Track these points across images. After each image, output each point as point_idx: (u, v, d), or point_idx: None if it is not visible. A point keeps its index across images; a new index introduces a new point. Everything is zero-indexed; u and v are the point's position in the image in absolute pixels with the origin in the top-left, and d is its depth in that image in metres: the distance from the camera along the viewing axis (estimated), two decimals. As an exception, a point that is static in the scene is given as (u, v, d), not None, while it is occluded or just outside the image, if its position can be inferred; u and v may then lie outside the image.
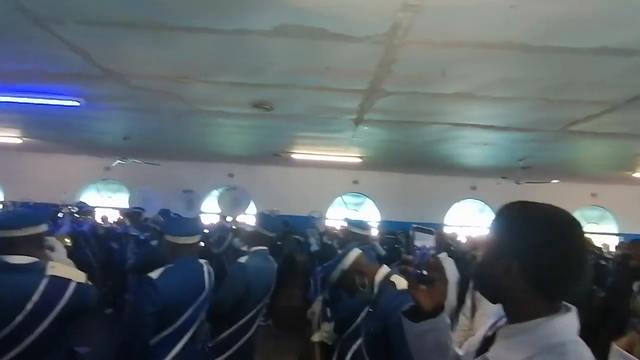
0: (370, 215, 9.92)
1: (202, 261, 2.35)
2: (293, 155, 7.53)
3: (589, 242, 5.79)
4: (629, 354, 0.52)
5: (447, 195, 9.90)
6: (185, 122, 5.41)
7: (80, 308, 1.73)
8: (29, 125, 6.57)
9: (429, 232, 1.02)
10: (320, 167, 9.11)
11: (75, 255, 5.63)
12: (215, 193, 9.58)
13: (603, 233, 9.80)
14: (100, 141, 7.38)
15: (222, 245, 5.75)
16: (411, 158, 7.30)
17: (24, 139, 7.52)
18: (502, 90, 3.44)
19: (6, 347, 1.57)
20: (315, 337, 2.74)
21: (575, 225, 0.85)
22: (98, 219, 7.12)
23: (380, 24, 2.37)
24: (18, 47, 3.07)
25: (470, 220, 9.85)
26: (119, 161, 6.93)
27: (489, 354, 0.88)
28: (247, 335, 2.63)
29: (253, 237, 2.85)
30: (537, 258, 0.84)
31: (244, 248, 4.37)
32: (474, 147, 5.97)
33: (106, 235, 6.27)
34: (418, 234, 1.00)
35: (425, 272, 0.98)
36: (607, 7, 2.07)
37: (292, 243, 7.23)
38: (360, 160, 7.57)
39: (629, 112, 3.81)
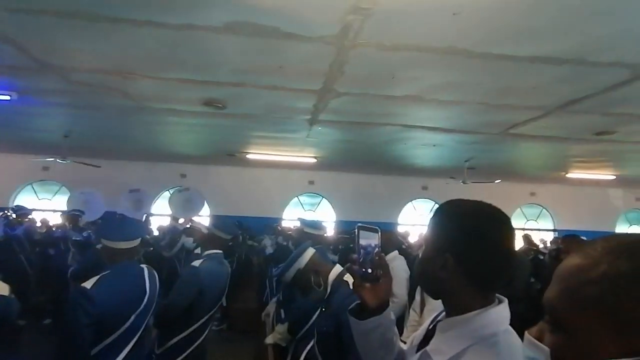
0: (327, 215, 10.00)
1: (143, 266, 2.24)
2: (248, 156, 7.42)
3: (528, 239, 6.22)
4: (537, 342, 0.56)
5: (400, 195, 10.20)
6: (132, 120, 5.15)
7: None
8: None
9: (374, 230, 1.03)
10: (276, 167, 9.05)
11: (8, 263, 5.21)
12: (166, 194, 9.22)
13: (541, 229, 10.56)
14: (37, 139, 6.84)
15: (173, 248, 5.56)
16: (365, 158, 7.44)
17: (-53, 135, 6.83)
18: (448, 94, 3.60)
19: None
20: (269, 339, 2.71)
21: (502, 220, 0.90)
22: (38, 223, 6.61)
23: (331, 25, 2.40)
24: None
25: (422, 219, 10.21)
26: (58, 160, 6.44)
27: (428, 348, 0.90)
28: (199, 341, 2.55)
29: (208, 240, 2.79)
30: (468, 252, 0.87)
31: (197, 250, 4.24)
32: (424, 148, 6.20)
33: (42, 240, 5.82)
34: (363, 233, 1.01)
35: (369, 270, 0.99)
36: (539, 19, 2.23)
37: (247, 245, 7.13)
38: (315, 160, 7.61)
39: (561, 117, 4.13)
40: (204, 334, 2.59)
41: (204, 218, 8.89)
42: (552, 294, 0.56)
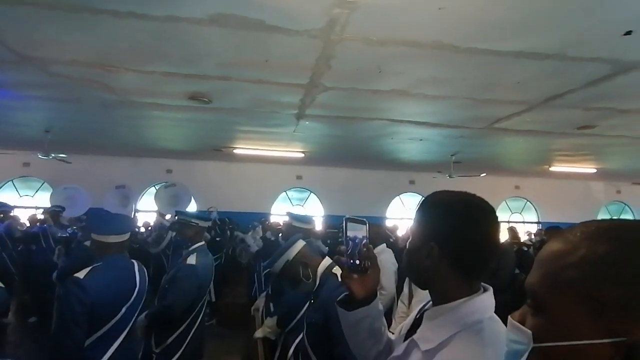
0: (315, 210, 10.01)
1: (133, 260, 2.28)
2: (235, 151, 7.37)
3: (512, 232, 6.33)
4: (520, 325, 0.57)
5: (388, 189, 10.28)
6: (115, 114, 5.05)
7: None
8: None
9: (361, 222, 1.03)
10: (263, 162, 9.01)
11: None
12: (152, 190, 9.10)
13: (525, 222, 10.78)
14: (18, 134, 6.65)
15: (160, 244, 5.50)
16: (353, 153, 7.46)
17: None
18: (434, 89, 3.63)
19: None
20: (258, 333, 2.72)
21: (487, 210, 0.91)
22: (24, 220, 6.48)
23: (317, 19, 2.39)
24: None
25: (410, 213, 10.31)
26: (39, 156, 6.30)
27: (415, 336, 0.92)
28: (193, 331, 2.61)
29: (195, 234, 2.81)
30: (453, 240, 0.89)
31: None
32: (411, 142, 6.24)
33: (23, 238, 5.70)
34: (350, 225, 1.01)
35: (357, 262, 1.00)
36: (523, 14, 2.26)
37: (236, 241, 7.10)
38: (302, 155, 7.59)
39: (545, 111, 4.21)
40: (197, 324, 2.64)
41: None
42: (534, 278, 0.58)
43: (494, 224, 0.91)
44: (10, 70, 3.51)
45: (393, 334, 1.14)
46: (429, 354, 0.86)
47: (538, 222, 10.78)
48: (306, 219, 3.56)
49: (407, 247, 0.99)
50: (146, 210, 9.29)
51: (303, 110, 4.52)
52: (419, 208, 0.98)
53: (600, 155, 6.90)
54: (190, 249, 2.72)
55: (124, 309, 2.04)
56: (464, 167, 7.87)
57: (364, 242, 1.01)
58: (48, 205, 6.96)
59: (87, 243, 3.82)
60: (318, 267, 2.13)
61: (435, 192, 0.98)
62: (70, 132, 6.29)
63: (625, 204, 11.36)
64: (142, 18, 2.44)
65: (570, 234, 0.56)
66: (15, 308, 5.26)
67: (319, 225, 7.91)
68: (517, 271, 4.73)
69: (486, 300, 0.90)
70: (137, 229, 6.62)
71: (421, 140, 6.01)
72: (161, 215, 6.82)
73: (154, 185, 9.20)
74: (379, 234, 3.88)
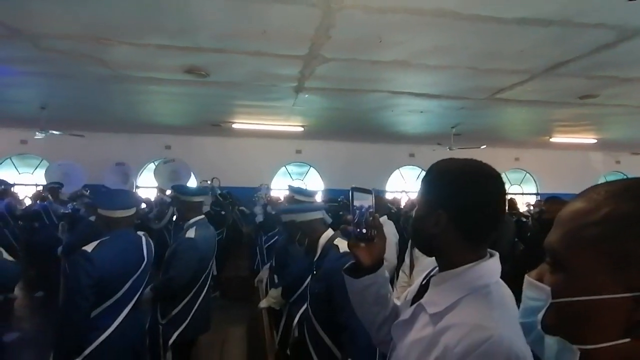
0: (315, 184, 10.03)
1: (140, 233, 2.31)
2: (234, 125, 7.30)
3: (512, 203, 6.37)
4: (538, 282, 0.58)
5: (388, 162, 10.26)
6: (111, 90, 4.97)
7: None
8: None
9: (367, 192, 1.04)
10: (263, 137, 8.95)
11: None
12: (151, 166, 9.09)
13: (525, 193, 10.84)
14: (13, 111, 6.57)
15: (162, 220, 5.55)
16: (352, 126, 7.40)
17: None
18: (436, 58, 3.56)
19: None
20: (263, 303, 2.78)
21: (492, 175, 0.91)
22: (25, 198, 6.50)
23: (317, -14, 2.31)
24: None
25: (410, 186, 10.35)
26: (37, 133, 6.24)
27: (422, 300, 0.94)
28: (199, 301, 2.67)
29: (189, 209, 2.82)
30: (460, 206, 0.90)
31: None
32: (411, 114, 6.18)
33: (25, 215, 5.74)
34: (357, 194, 1.02)
35: (364, 230, 1.01)
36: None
37: (237, 215, 7.15)
38: (302, 129, 7.54)
39: (546, 81, 4.15)
40: (202, 296, 2.70)
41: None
42: (554, 237, 0.58)
43: (500, 188, 0.91)
44: (2, 46, 3.42)
45: (398, 299, 1.17)
46: (436, 317, 0.88)
47: (537, 194, 10.83)
48: (308, 192, 3.55)
49: (414, 215, 1.00)
50: (146, 187, 9.30)
51: (302, 82, 4.45)
52: (425, 176, 0.98)
53: (601, 125, 6.86)
54: (190, 222, 2.74)
55: (130, 281, 2.08)
56: (464, 139, 7.83)
57: (370, 211, 1.02)
58: (44, 181, 6.96)
59: (92, 218, 3.86)
60: (320, 238, 2.17)
61: (441, 160, 0.97)
62: (67, 108, 6.21)
63: (625, 175, 11.40)
64: (135, -13, 2.36)
65: (595, 192, 0.56)
66: (21, 283, 5.35)
67: (319, 199, 7.96)
68: (516, 239, 4.82)
69: (492, 265, 0.91)
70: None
71: (422, 112, 5.96)
72: (162, 191, 6.84)
73: (153, 162, 9.17)
74: (380, 205, 3.91)
